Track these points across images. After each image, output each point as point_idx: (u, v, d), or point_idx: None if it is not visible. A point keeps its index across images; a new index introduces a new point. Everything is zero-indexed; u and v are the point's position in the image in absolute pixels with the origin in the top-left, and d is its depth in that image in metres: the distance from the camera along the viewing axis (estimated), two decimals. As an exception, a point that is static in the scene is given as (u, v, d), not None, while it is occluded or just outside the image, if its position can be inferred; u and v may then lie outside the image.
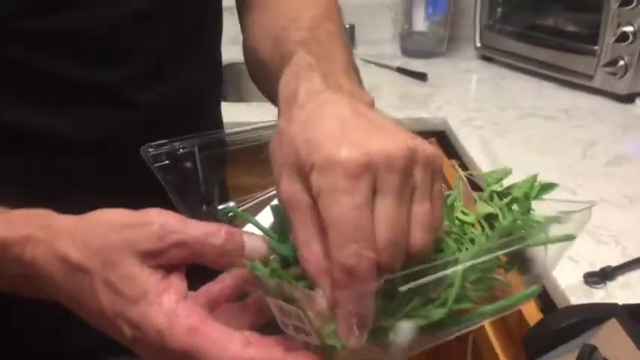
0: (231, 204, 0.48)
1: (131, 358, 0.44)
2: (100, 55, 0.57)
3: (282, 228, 0.42)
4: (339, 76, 0.46)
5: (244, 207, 0.48)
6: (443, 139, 1.35)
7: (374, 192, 0.36)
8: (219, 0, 0.70)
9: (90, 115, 0.58)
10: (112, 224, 0.41)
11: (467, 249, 0.44)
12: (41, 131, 0.57)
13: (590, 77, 1.46)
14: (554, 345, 0.73)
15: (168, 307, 0.39)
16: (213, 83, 0.72)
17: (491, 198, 0.49)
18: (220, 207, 0.48)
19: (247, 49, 0.67)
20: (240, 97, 1.76)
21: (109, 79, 0.58)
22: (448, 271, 0.38)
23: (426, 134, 1.41)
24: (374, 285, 0.36)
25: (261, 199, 0.48)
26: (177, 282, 0.40)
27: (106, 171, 0.59)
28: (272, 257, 0.41)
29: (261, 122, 0.51)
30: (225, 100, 1.41)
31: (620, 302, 0.76)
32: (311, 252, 0.37)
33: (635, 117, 1.36)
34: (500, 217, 0.46)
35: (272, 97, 0.59)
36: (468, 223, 0.47)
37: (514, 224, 0.44)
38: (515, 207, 0.47)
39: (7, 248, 0.44)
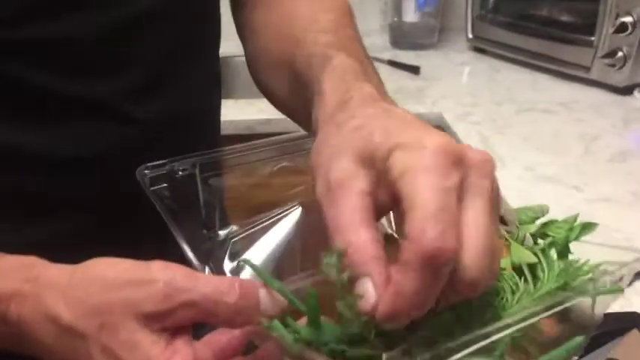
0: (234, 228, 0.43)
1: None
2: (98, 65, 0.53)
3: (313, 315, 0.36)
4: (381, 88, 0.45)
5: (246, 232, 0.43)
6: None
7: (461, 193, 0.33)
8: (218, 2, 0.66)
9: (86, 132, 0.54)
10: (110, 281, 0.36)
11: (506, 300, 0.39)
12: (33, 150, 0.52)
13: (587, 69, 1.42)
14: (573, 359, 0.70)
15: None
16: (213, 88, 0.68)
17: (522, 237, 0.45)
18: (222, 232, 0.43)
19: (257, 49, 0.63)
20: (226, 94, 1.70)
21: (106, 91, 0.54)
22: (494, 338, 0.33)
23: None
24: (443, 279, 0.32)
25: (264, 224, 0.44)
26: (184, 347, 0.36)
27: (104, 189, 0.54)
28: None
29: (263, 140, 0.47)
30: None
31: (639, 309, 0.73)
32: (359, 237, 0.33)
33: (635, 109, 1.33)
34: (542, 269, 0.41)
35: (288, 97, 0.55)
36: (501, 269, 0.42)
37: (564, 284, 0.40)
38: (553, 251, 0.42)
39: None
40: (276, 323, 0.35)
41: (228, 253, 0.43)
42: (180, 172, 0.43)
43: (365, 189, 0.34)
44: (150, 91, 0.56)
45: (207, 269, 0.39)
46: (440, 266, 0.31)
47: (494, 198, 0.34)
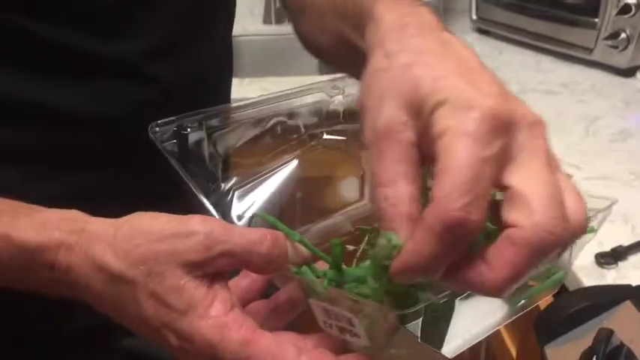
0: (236, 180, 0.46)
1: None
2: (118, 26, 0.55)
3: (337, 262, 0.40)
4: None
5: (247, 184, 0.46)
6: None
7: (507, 156, 0.32)
8: None
9: (107, 90, 0.56)
10: (155, 233, 0.39)
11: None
12: (56, 106, 0.55)
13: (590, 50, 1.42)
14: (566, 329, 0.71)
15: (219, 320, 0.38)
16: (227, 58, 0.70)
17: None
18: (225, 184, 0.46)
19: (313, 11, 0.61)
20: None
21: (126, 51, 0.56)
22: None
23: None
24: (461, 250, 0.32)
25: (264, 175, 0.46)
26: (223, 292, 0.39)
27: (124, 146, 0.56)
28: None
29: (265, 94, 0.49)
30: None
31: (633, 283, 0.74)
32: (396, 191, 0.33)
33: (637, 91, 1.34)
34: None
35: (335, 49, 0.54)
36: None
37: None
38: None
39: (38, 254, 0.41)
40: (305, 269, 0.40)
41: (233, 202, 0.45)
42: (188, 129, 0.45)
43: (411, 139, 0.34)
44: (169, 52, 0.58)
45: (219, 217, 0.42)
46: (462, 236, 0.31)
47: (550, 157, 0.33)
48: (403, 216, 0.33)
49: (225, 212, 0.44)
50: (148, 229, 0.39)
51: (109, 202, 0.50)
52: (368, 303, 0.35)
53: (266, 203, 0.46)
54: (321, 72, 1.79)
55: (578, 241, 0.41)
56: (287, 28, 1.96)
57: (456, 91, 0.33)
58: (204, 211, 0.42)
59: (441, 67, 0.35)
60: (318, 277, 0.39)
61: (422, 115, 0.34)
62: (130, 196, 0.53)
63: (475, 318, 0.39)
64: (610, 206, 0.41)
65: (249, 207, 0.45)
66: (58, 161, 0.56)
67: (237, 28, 2.01)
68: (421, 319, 0.34)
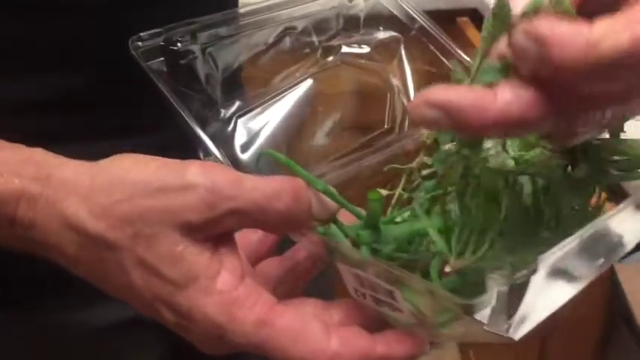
0: (239, 104, 0.39)
1: None
2: None
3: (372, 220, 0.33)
4: None
5: (253, 109, 0.39)
6: (476, 18, 1.22)
7: None
8: None
9: None
10: (142, 185, 0.31)
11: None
12: None
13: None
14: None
15: (227, 296, 0.31)
16: None
17: None
18: (225, 110, 0.39)
19: None
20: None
21: None
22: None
23: (456, 12, 1.28)
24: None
25: (273, 99, 0.39)
26: (231, 257, 0.32)
27: (105, 41, 0.48)
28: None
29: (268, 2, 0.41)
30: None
31: None
32: None
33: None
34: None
35: None
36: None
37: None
38: None
39: None
40: (334, 228, 0.32)
41: (236, 132, 0.38)
42: (178, 43, 0.37)
43: None
44: None
45: (217, 151, 0.35)
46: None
47: None
48: None
49: (227, 143, 0.37)
50: (132, 180, 0.31)
51: (80, 112, 0.44)
52: (421, 282, 0.28)
53: (275, 132, 0.38)
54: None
55: None
56: None
57: None
58: (199, 144, 0.35)
59: None
60: (347, 237, 0.32)
61: None
62: (108, 105, 0.46)
63: (547, 292, 0.31)
64: None
65: (255, 137, 0.38)
66: (25, 59, 0.48)
67: None
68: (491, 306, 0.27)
